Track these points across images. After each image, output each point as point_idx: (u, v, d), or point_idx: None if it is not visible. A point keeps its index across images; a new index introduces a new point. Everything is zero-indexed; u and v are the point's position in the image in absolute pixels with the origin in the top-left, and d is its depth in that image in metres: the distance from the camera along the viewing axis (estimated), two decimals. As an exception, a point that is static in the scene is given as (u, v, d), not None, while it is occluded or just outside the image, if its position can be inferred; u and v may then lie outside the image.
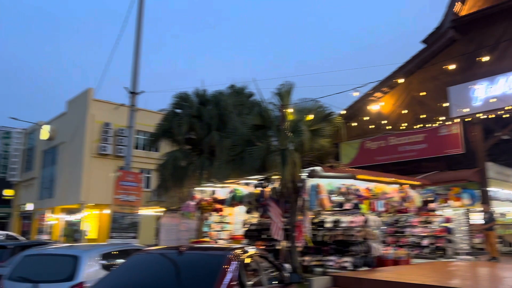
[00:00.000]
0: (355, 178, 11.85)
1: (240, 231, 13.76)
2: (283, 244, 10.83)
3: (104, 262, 6.89)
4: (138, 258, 5.30)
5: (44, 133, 32.03)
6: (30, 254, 7.15)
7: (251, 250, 5.76)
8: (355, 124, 20.45)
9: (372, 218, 11.92)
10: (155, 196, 18.34)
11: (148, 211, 15.96)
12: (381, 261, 11.67)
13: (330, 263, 11.10)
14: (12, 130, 38.72)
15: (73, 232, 26.37)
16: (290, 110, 11.07)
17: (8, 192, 38.41)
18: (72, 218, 27.36)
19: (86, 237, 25.69)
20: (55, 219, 29.19)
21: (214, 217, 14.56)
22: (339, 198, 12.28)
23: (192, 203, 13.72)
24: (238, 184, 12.85)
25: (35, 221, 32.09)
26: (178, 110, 16.43)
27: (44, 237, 26.47)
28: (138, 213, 12.94)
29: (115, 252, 7.48)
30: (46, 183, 32.21)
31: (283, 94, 10.98)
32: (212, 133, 15.16)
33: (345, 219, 11.57)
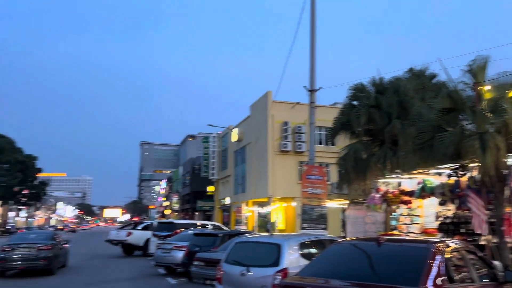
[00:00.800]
0: None
1: (432, 224, 12.78)
2: (488, 239, 9.61)
3: (302, 250, 7.41)
4: (338, 248, 5.50)
5: (234, 135, 36.22)
6: (240, 241, 8.21)
7: (456, 244, 5.33)
8: None
9: None
10: (336, 189, 18.61)
11: (332, 203, 16.31)
12: None
13: (555, 263, 9.30)
14: (209, 135, 45.15)
15: (265, 223, 29.00)
16: (487, 88, 9.71)
17: (210, 189, 44.97)
18: (263, 210, 30.10)
19: (277, 228, 27.90)
20: (249, 211, 32.64)
21: (402, 210, 13.90)
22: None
23: (377, 195, 13.39)
24: (427, 174, 11.95)
25: (233, 213, 36.55)
26: (354, 102, 16.27)
27: (242, 227, 29.84)
28: (325, 205, 13.35)
29: (310, 242, 7.96)
30: (239, 180, 36.32)
31: (477, 70, 9.70)
32: (393, 121, 14.49)
33: None
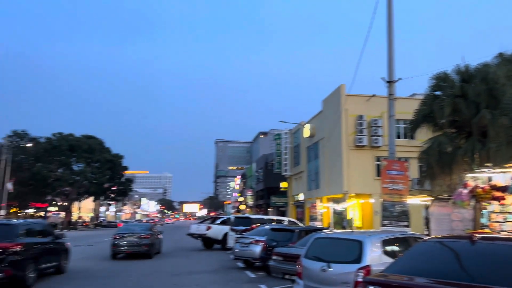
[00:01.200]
0: None
1: (530, 222, 11.65)
2: None
3: (385, 248, 7.17)
4: (426, 245, 5.25)
5: (306, 131, 36.00)
6: (319, 237, 8.15)
7: None
8: None
9: None
10: (416, 185, 17.72)
11: (414, 200, 15.56)
12: None
13: None
14: (281, 132, 45.38)
15: (341, 220, 28.48)
16: None
17: (283, 185, 45.22)
18: (339, 207, 29.57)
19: (354, 225, 27.25)
20: (324, 208, 32.28)
21: (493, 207, 12.84)
22: None
23: (465, 191, 12.50)
24: (523, 167, 10.92)
25: (307, 209, 36.38)
26: (437, 92, 15.32)
27: (317, 223, 29.59)
28: (407, 202, 12.78)
29: (394, 239, 7.66)
30: (312, 176, 36.04)
31: None
32: (481, 111, 13.41)
33: None
